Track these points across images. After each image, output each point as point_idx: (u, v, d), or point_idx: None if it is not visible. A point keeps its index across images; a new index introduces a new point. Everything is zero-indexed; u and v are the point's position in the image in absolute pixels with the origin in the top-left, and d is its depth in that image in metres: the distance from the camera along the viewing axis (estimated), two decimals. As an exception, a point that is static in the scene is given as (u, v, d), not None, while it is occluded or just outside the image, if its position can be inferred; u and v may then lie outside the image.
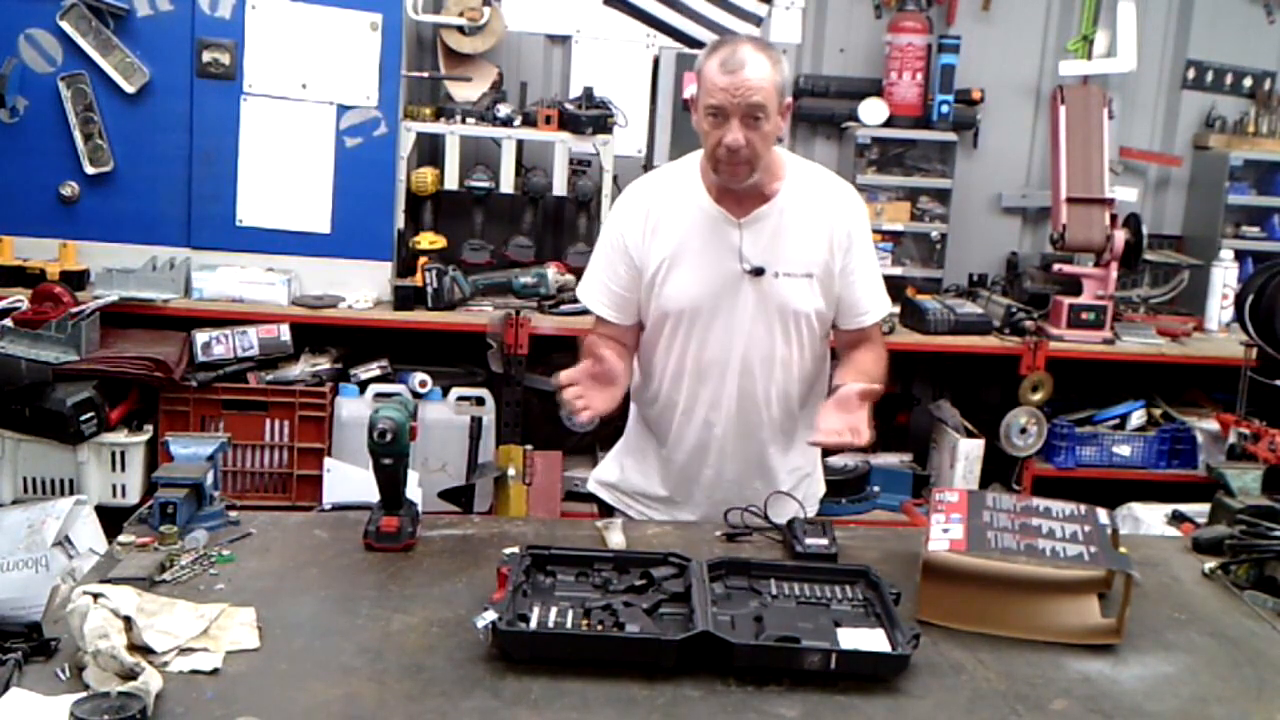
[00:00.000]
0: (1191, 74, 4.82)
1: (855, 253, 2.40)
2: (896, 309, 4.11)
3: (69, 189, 3.88)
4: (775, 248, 2.35)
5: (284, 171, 3.93)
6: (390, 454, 2.07)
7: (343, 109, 3.93)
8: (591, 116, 4.09)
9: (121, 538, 2.00)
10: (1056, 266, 4.30)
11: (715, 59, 2.24)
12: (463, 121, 4.11)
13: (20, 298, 3.68)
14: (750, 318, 2.36)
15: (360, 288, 3.99)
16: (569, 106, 4.14)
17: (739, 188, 2.31)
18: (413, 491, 2.39)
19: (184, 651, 1.63)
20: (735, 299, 2.35)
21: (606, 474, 2.64)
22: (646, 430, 2.56)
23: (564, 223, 4.40)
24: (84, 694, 1.48)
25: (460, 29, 4.24)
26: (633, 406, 2.60)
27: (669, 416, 2.47)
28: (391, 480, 2.09)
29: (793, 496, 2.42)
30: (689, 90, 2.35)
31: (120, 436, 3.64)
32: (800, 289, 2.36)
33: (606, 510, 2.62)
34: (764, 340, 2.38)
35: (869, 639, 1.73)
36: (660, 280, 2.38)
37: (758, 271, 2.34)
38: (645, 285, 2.40)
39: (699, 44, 2.24)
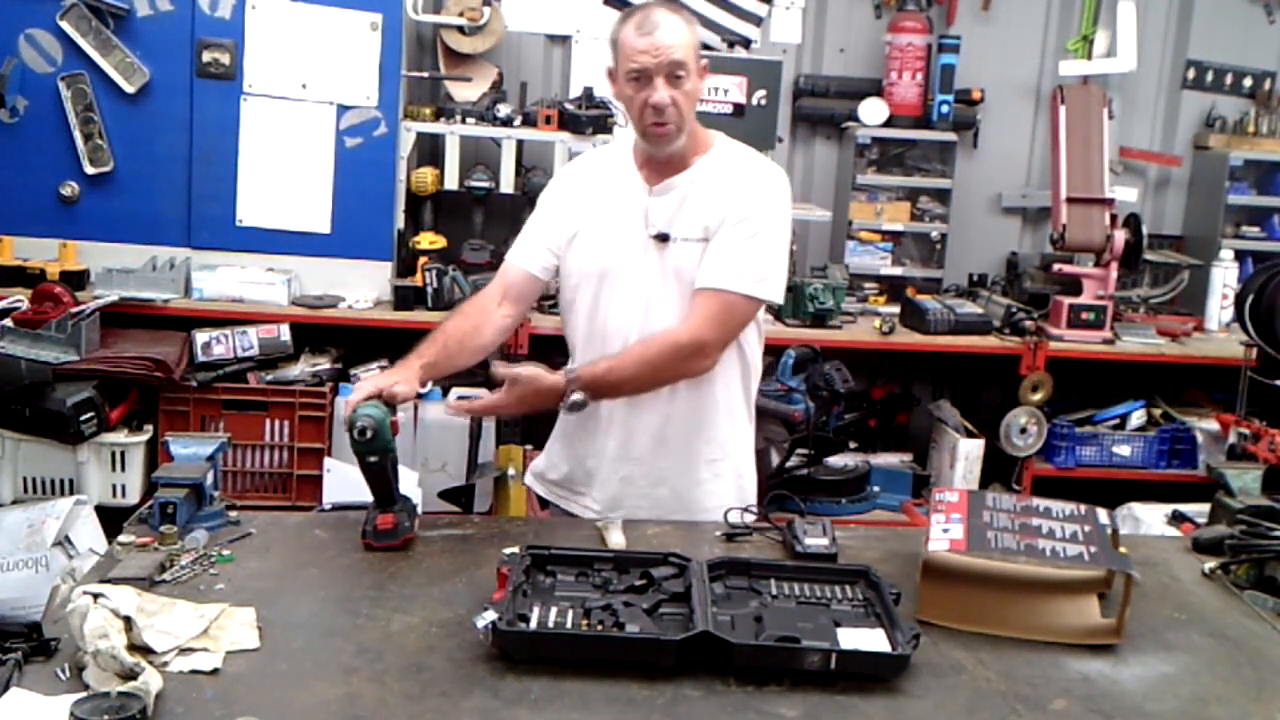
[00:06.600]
0: (1191, 74, 4.82)
1: (742, 225, 2.29)
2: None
3: (69, 189, 3.88)
4: (681, 214, 2.34)
5: (284, 171, 3.93)
6: (374, 451, 2.07)
7: (343, 109, 3.93)
8: (591, 116, 4.09)
9: (121, 538, 2.00)
10: (1056, 266, 4.30)
11: (630, 24, 2.28)
12: (463, 121, 4.11)
13: (20, 298, 3.68)
14: (653, 284, 2.34)
15: (360, 288, 3.99)
16: (569, 106, 4.14)
17: (666, 151, 2.31)
18: (411, 491, 2.39)
19: (184, 651, 1.63)
20: (639, 264, 2.35)
21: (539, 465, 2.63)
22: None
23: (564, 223, 4.40)
24: (84, 694, 1.48)
25: (460, 29, 4.24)
26: None
27: None
28: (380, 477, 2.09)
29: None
30: (608, 64, 2.37)
31: (120, 436, 3.64)
32: (696, 254, 2.32)
33: (544, 504, 2.61)
34: (668, 308, 2.34)
35: (869, 639, 1.73)
36: (574, 243, 2.40)
37: (663, 238, 2.33)
38: (565, 248, 2.41)
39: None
